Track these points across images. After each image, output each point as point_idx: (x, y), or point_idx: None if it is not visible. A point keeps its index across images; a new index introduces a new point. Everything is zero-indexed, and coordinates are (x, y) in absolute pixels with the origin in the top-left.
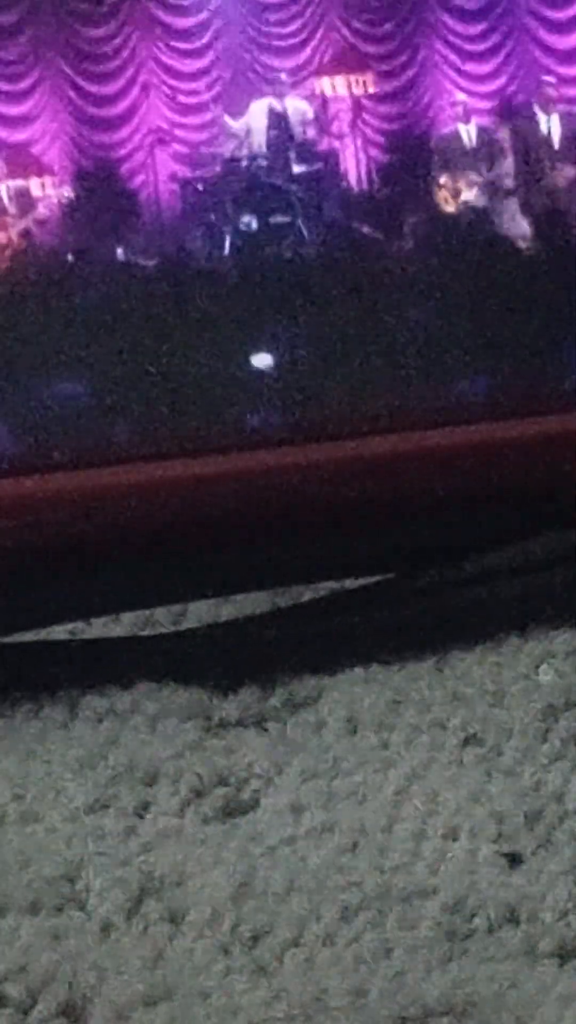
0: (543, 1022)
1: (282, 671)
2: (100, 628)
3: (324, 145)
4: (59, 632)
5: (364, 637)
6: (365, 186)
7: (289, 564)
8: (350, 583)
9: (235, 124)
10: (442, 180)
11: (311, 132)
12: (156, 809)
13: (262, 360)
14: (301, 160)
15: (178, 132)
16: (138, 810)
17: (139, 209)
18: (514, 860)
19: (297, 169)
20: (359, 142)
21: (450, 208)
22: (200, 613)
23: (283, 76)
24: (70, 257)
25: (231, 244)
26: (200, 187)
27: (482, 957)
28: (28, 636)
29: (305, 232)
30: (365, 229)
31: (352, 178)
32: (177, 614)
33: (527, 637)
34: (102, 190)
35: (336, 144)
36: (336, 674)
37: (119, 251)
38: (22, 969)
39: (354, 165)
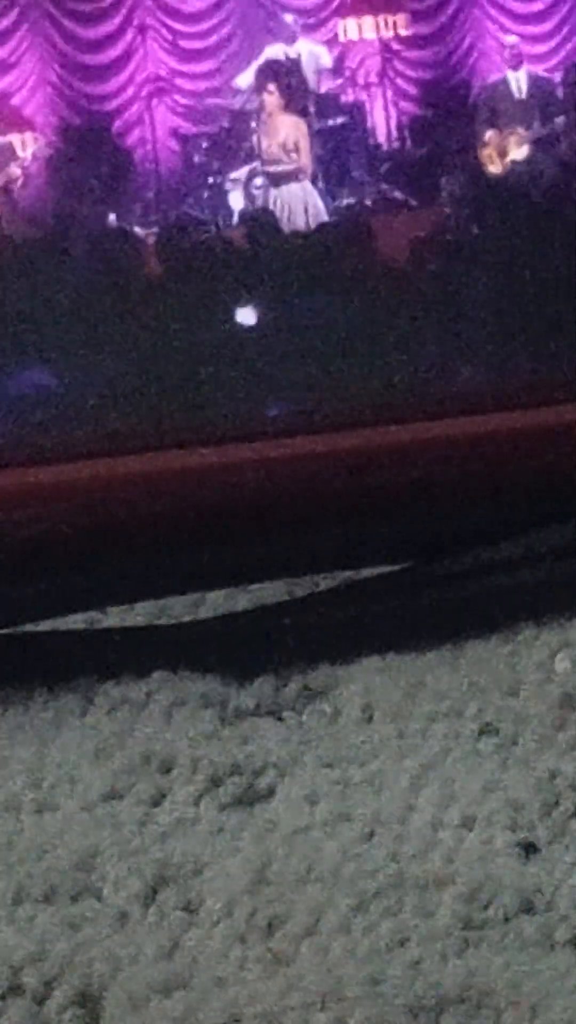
0: (559, 1011)
1: (298, 661)
2: (116, 617)
3: (348, 97)
4: (75, 621)
5: (380, 627)
6: (396, 144)
7: (305, 554)
8: (366, 573)
9: (245, 76)
10: (486, 137)
11: (332, 82)
12: (172, 798)
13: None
14: (321, 114)
15: (179, 82)
16: (154, 799)
17: (134, 170)
18: (530, 849)
19: (317, 125)
20: (388, 93)
21: (495, 169)
22: (216, 603)
23: (300, 16)
24: (53, 225)
25: (240, 210)
26: (205, 145)
27: (498, 946)
28: (44, 625)
29: (326, 198)
30: (396, 194)
31: (381, 135)
32: (193, 604)
33: (543, 627)
34: (91, 148)
35: (362, 96)
36: (352, 664)
37: (111, 218)
38: (38, 958)
39: (383, 120)
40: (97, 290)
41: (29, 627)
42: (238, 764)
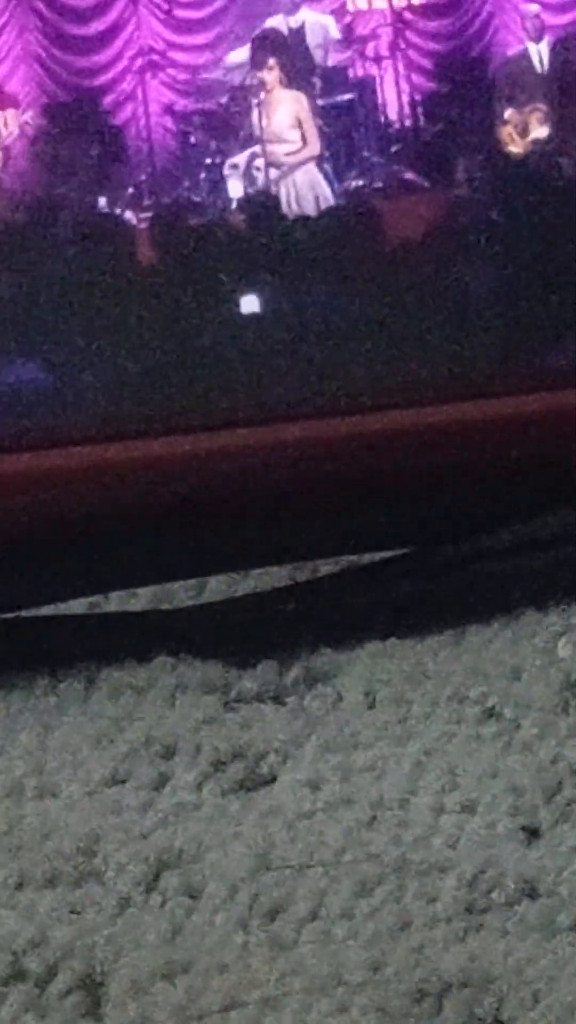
0: (561, 995)
1: (300, 646)
2: (118, 602)
3: (357, 71)
4: (77, 606)
5: (382, 612)
6: (408, 122)
7: (306, 539)
8: (368, 558)
9: (244, 49)
10: (507, 114)
11: (340, 55)
12: (174, 783)
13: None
14: (327, 90)
15: (174, 55)
16: (156, 784)
17: (126, 150)
18: (532, 834)
19: (323, 101)
20: (400, 67)
21: (516, 148)
22: (218, 588)
23: None
24: (37, 209)
25: (239, 194)
26: (202, 123)
27: (500, 931)
28: (46, 610)
29: (332, 181)
30: (408, 175)
31: (392, 111)
32: (195, 589)
33: (546, 611)
34: (79, 126)
35: (372, 70)
36: (354, 648)
37: (101, 202)
38: (40, 943)
39: (395, 96)
40: (84, 280)
41: (31, 612)
42: (240, 749)
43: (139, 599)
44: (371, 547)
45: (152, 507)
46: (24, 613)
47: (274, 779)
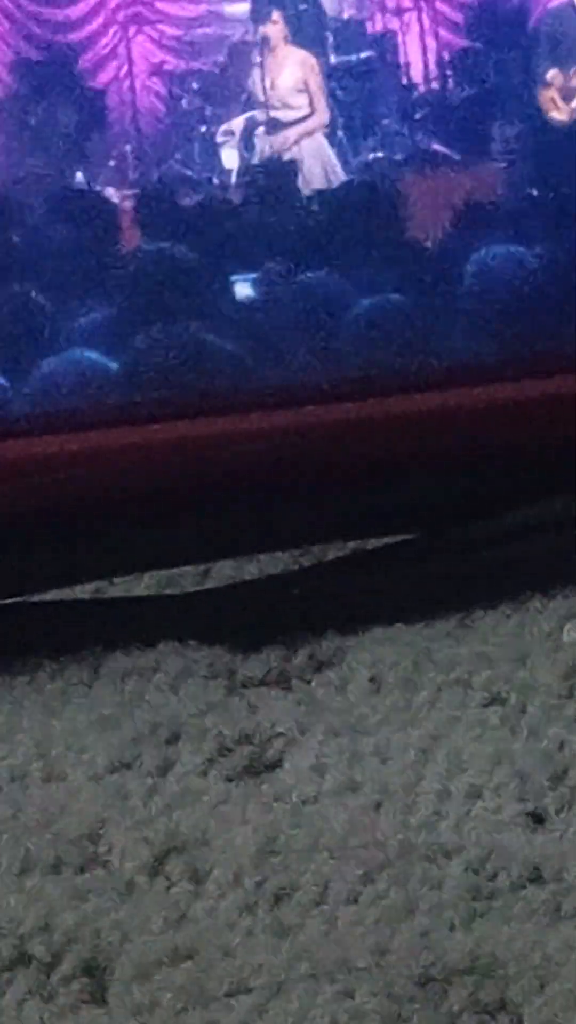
0: (566, 981)
1: (305, 630)
2: (123, 587)
3: (375, 25)
4: (82, 592)
5: (387, 596)
6: (435, 84)
7: (312, 523)
8: (374, 542)
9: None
10: (549, 75)
11: (355, 6)
12: (179, 768)
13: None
14: (341, 47)
15: (163, 6)
16: (161, 769)
17: (107, 117)
18: (537, 819)
19: (335, 60)
20: (426, 20)
21: (559, 115)
22: (223, 572)
23: None
24: (4, 184)
25: (240, 167)
26: (195, 85)
27: (505, 916)
28: (51, 595)
29: (346, 152)
30: (434, 146)
31: (416, 72)
32: (200, 573)
33: (551, 597)
34: (53, 89)
35: (393, 24)
36: (360, 633)
37: (78, 176)
38: (45, 928)
39: (419, 54)
40: (60, 266)
41: (36, 598)
42: (246, 734)
43: (144, 584)
44: (377, 532)
45: (156, 492)
46: (29, 598)
47: (280, 764)
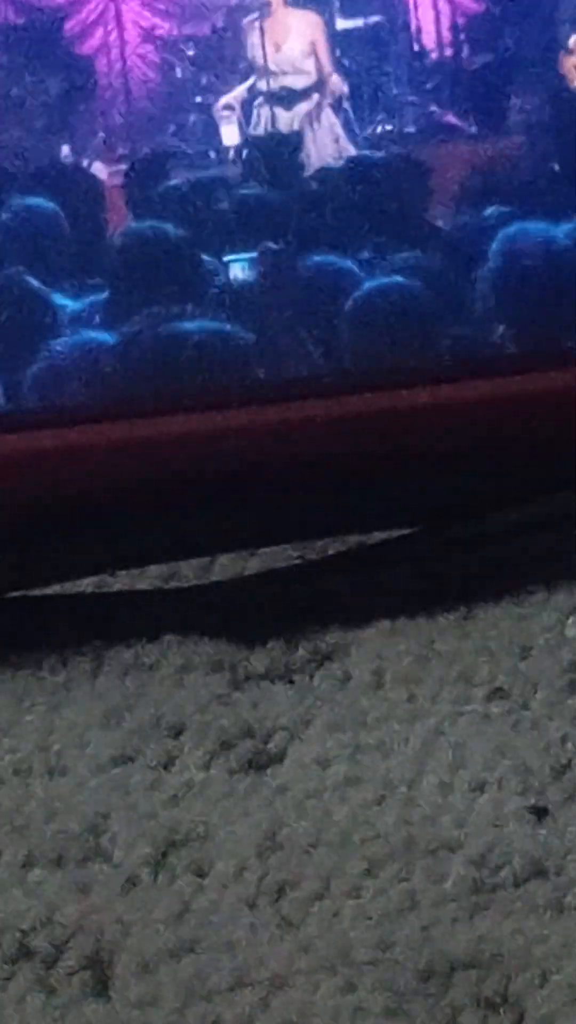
0: (569, 975)
1: (308, 625)
2: (126, 581)
3: None
4: (85, 585)
5: (390, 591)
6: (449, 51)
7: (315, 517)
8: (377, 537)
9: None
10: (571, 42)
11: None
12: (182, 762)
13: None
14: (347, 11)
15: None
16: (164, 763)
17: (95, 86)
18: (540, 813)
19: (342, 25)
20: None
21: None
22: (226, 566)
23: None
24: None
25: (239, 142)
26: (191, 53)
27: (508, 911)
28: (54, 589)
29: (354, 124)
30: (448, 118)
31: (429, 38)
32: (203, 567)
33: (553, 591)
34: (36, 56)
35: None
36: (363, 627)
37: (64, 151)
38: (47, 922)
39: (432, 18)
40: (45, 247)
41: (38, 592)
42: (248, 728)
43: (147, 578)
44: (380, 526)
45: (158, 486)
46: (31, 592)
47: (282, 758)
